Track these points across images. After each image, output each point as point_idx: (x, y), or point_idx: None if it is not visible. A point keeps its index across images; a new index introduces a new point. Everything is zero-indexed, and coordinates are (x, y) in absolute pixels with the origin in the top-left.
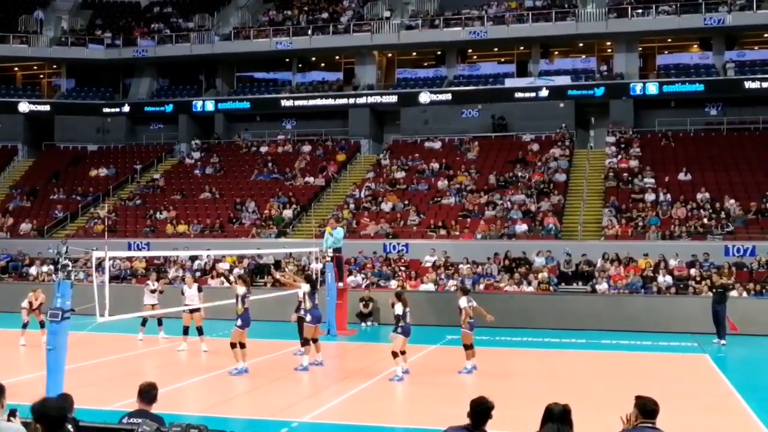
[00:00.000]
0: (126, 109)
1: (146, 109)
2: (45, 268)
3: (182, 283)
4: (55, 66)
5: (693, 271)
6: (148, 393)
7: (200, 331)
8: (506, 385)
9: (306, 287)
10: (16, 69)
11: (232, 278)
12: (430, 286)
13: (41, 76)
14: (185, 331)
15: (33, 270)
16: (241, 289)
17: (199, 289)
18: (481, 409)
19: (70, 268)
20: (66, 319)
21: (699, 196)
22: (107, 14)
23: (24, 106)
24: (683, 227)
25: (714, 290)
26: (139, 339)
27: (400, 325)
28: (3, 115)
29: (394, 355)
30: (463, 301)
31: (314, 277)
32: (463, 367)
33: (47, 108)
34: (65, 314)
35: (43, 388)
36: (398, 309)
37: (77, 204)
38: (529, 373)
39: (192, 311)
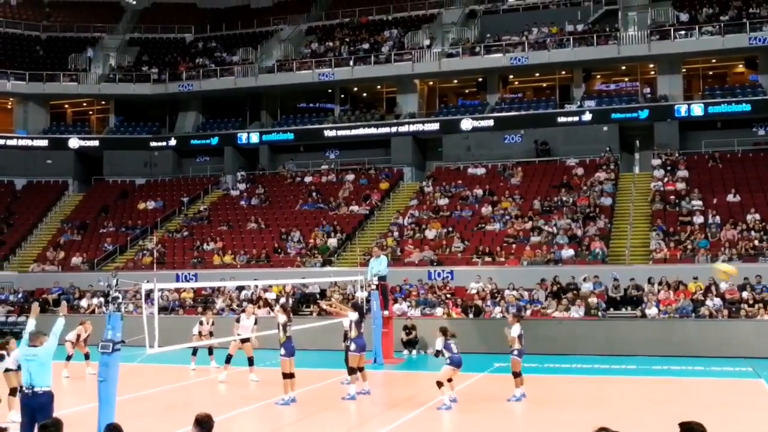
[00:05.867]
0: (172, 142)
1: (192, 142)
2: (95, 301)
3: (232, 313)
4: (103, 102)
5: (745, 294)
6: (207, 424)
7: (251, 362)
8: (556, 413)
9: (354, 315)
10: (66, 106)
11: (276, 308)
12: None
13: (90, 112)
14: (228, 359)
15: (84, 302)
16: (281, 318)
17: (255, 321)
18: None
19: (120, 300)
20: (117, 350)
21: (749, 217)
22: (153, 50)
23: (74, 142)
24: (733, 249)
25: None
26: (192, 369)
27: (447, 356)
28: (54, 151)
29: (439, 384)
30: (514, 329)
31: (361, 305)
32: (512, 395)
33: (96, 143)
34: (116, 346)
35: (92, 419)
36: (438, 344)
37: (126, 237)
38: (578, 400)
39: (243, 341)
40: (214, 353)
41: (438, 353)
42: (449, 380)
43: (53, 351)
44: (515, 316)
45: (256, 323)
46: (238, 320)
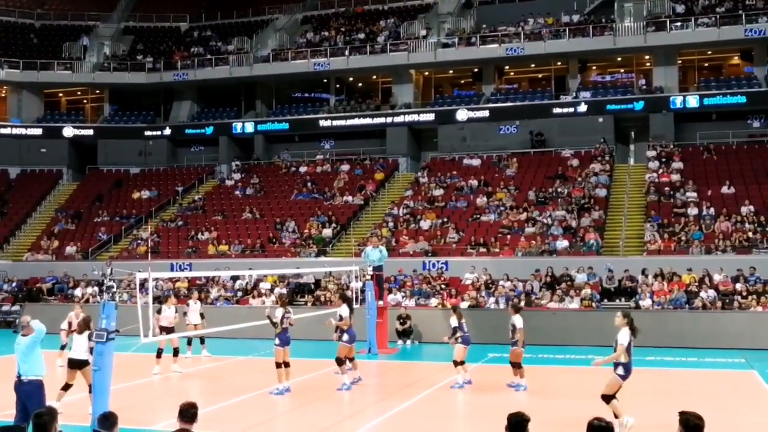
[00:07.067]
0: (167, 132)
1: (187, 131)
2: (90, 290)
3: (226, 302)
4: (98, 91)
5: (738, 286)
6: (188, 412)
7: (176, 353)
8: (549, 402)
9: (345, 311)
10: (61, 95)
11: (267, 312)
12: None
13: (84, 101)
14: (175, 352)
15: (78, 291)
16: (279, 311)
17: (202, 316)
18: (516, 421)
19: (114, 290)
20: (111, 339)
21: (743, 209)
22: (148, 39)
23: (68, 131)
24: (727, 241)
25: None
26: (186, 357)
27: (458, 335)
28: (48, 140)
29: (456, 364)
30: (518, 320)
31: (350, 297)
32: (517, 384)
33: (91, 132)
34: (110, 335)
35: (87, 408)
36: (453, 321)
37: (120, 226)
38: (572, 390)
39: (166, 330)
40: (206, 342)
41: (455, 330)
42: (461, 363)
43: (33, 347)
44: (514, 307)
45: (203, 317)
46: (159, 311)
